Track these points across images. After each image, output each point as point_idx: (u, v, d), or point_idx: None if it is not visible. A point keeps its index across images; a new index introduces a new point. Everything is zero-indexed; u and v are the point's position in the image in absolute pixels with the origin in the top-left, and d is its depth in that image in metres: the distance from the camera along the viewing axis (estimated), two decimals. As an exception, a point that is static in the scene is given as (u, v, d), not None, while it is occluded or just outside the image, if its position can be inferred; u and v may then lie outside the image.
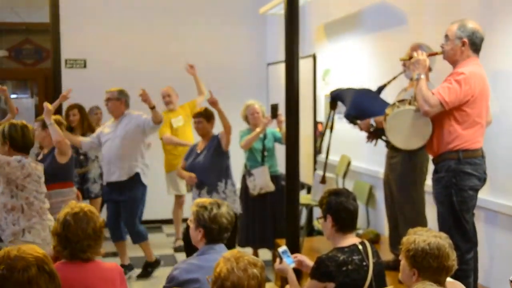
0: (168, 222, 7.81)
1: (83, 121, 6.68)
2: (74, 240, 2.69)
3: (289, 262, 3.31)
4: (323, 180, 5.36)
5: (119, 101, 5.79)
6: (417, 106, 3.74)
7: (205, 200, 3.15)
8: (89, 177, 6.81)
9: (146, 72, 7.73)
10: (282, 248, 3.37)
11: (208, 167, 5.33)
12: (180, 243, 6.92)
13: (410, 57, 3.94)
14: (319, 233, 6.50)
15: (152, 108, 5.51)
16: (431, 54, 3.94)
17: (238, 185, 6.19)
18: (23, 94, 9.72)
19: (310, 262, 3.31)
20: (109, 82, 7.21)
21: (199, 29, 8.18)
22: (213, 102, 5.28)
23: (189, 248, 5.33)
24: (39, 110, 8.11)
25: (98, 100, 6.79)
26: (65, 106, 6.59)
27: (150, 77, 7.52)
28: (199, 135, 5.53)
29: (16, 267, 1.90)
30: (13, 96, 9.36)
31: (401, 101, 3.94)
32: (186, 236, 5.50)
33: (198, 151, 5.48)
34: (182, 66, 7.53)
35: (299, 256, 3.42)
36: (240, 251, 2.30)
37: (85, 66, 7.90)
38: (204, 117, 5.44)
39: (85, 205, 2.86)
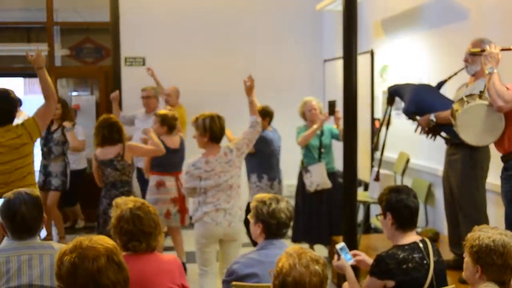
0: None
1: (64, 116, 6.82)
2: (148, 232, 2.78)
3: (347, 259, 3.28)
4: (377, 177, 5.31)
5: (155, 98, 6.80)
6: (490, 101, 3.64)
7: (264, 195, 3.18)
8: (51, 170, 6.84)
9: (203, 69, 7.82)
10: (340, 244, 3.34)
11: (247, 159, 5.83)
12: None
13: (482, 50, 3.83)
14: (376, 230, 6.45)
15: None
16: (504, 49, 3.77)
17: (292, 182, 6.22)
18: (83, 91, 9.96)
19: (368, 259, 3.28)
20: (167, 79, 7.35)
21: (255, 26, 8.21)
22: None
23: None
24: (99, 107, 8.31)
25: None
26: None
27: (207, 73, 7.61)
28: None
29: (87, 256, 1.96)
30: (74, 93, 9.63)
31: (470, 96, 3.81)
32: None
33: None
34: (238, 62, 7.61)
35: (357, 253, 3.39)
36: (302, 247, 2.30)
37: (143, 64, 8.04)
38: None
39: (133, 198, 2.97)
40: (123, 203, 2.84)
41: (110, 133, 5.00)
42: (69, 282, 1.95)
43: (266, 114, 6.00)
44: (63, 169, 6.85)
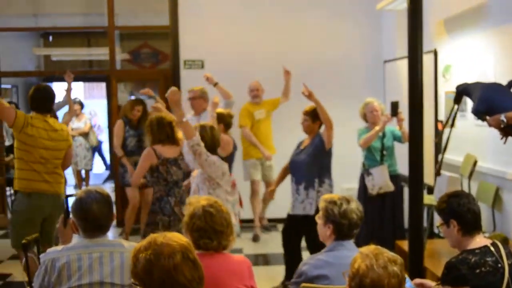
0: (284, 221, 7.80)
1: (143, 117, 6.92)
2: (220, 230, 2.77)
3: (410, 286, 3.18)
4: (438, 172, 5.11)
5: (202, 99, 6.46)
6: None
7: (333, 195, 3.12)
8: None
9: (261, 71, 7.81)
10: None
11: (308, 163, 5.32)
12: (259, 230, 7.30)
13: None
14: (440, 236, 6.27)
15: (215, 84, 6.65)
16: None
17: (352, 185, 6.10)
18: (142, 95, 10.14)
19: (429, 282, 3.17)
20: (226, 81, 7.35)
21: (314, 27, 8.15)
22: (308, 95, 5.23)
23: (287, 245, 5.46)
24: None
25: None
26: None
27: (265, 76, 7.58)
28: (304, 131, 5.52)
29: (163, 253, 1.95)
30: (132, 97, 9.78)
31: None
32: (284, 233, 5.63)
33: (302, 148, 5.49)
34: (297, 64, 7.57)
35: (418, 280, 3.25)
36: (378, 247, 2.23)
37: (202, 67, 8.08)
38: (310, 116, 5.41)
39: (206, 197, 2.99)
40: (196, 201, 2.86)
41: (173, 132, 4.98)
42: (146, 279, 1.95)
43: (317, 117, 5.36)
44: None
